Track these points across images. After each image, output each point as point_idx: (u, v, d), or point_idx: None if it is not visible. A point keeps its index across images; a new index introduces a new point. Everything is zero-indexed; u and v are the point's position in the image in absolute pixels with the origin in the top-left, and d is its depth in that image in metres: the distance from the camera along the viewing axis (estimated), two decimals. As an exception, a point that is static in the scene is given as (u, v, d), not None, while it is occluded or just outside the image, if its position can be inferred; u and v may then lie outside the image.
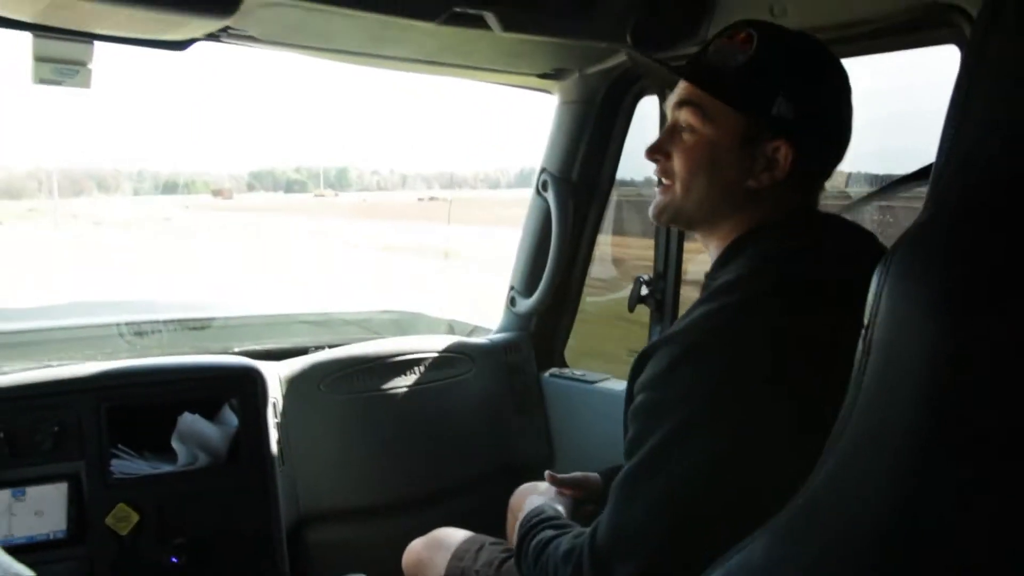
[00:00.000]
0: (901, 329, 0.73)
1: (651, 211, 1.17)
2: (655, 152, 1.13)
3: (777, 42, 1.08)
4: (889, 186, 1.21)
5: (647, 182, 2.19)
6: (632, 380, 1.06)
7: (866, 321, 0.76)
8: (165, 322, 2.17)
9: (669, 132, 1.12)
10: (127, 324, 2.12)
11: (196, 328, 2.23)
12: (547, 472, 1.52)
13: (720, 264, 1.12)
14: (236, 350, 2.09)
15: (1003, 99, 0.74)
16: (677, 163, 1.11)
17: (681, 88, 1.12)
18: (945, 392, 0.70)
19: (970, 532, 0.71)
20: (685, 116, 1.10)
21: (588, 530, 1.04)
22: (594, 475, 1.52)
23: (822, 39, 1.34)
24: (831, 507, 0.79)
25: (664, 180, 1.14)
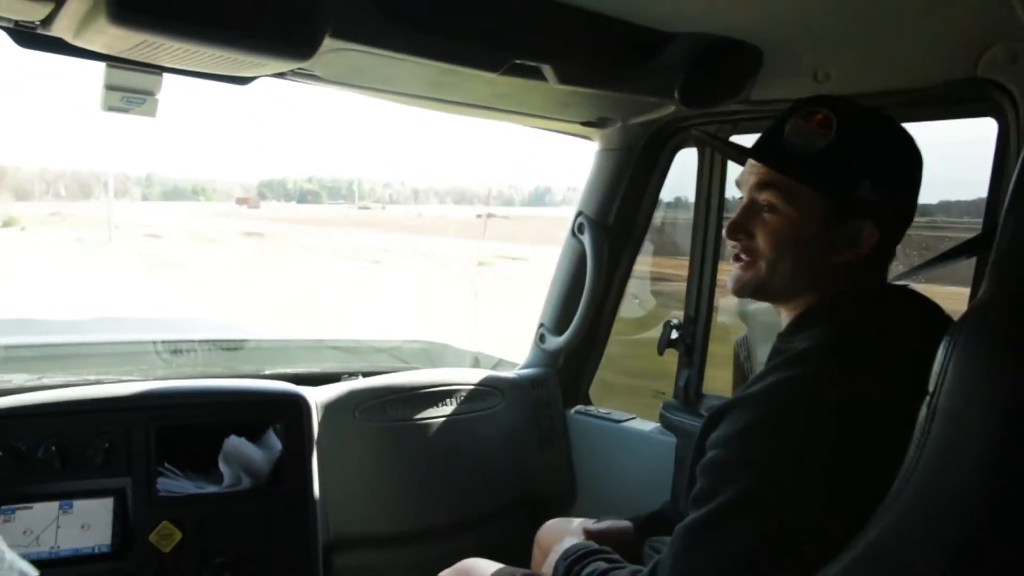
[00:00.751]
0: (968, 398, 0.78)
1: (731, 285, 1.20)
2: (737, 232, 1.16)
3: (857, 125, 1.12)
4: (939, 257, 1.27)
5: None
6: (705, 434, 1.10)
7: (931, 389, 0.81)
8: (200, 342, 2.21)
9: (748, 211, 1.16)
10: (163, 342, 2.16)
11: (229, 349, 2.27)
12: (582, 526, 1.56)
13: (793, 330, 1.15)
14: (268, 372, 2.13)
15: None
16: (761, 242, 1.14)
17: (760, 168, 1.15)
18: (1010, 457, 0.75)
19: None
20: (767, 197, 1.13)
21: (647, 570, 1.09)
22: (626, 523, 1.55)
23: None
24: (889, 557, 0.84)
25: (747, 257, 1.17)
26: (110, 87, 1.62)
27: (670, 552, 1.05)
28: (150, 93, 1.66)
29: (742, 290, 1.20)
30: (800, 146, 1.12)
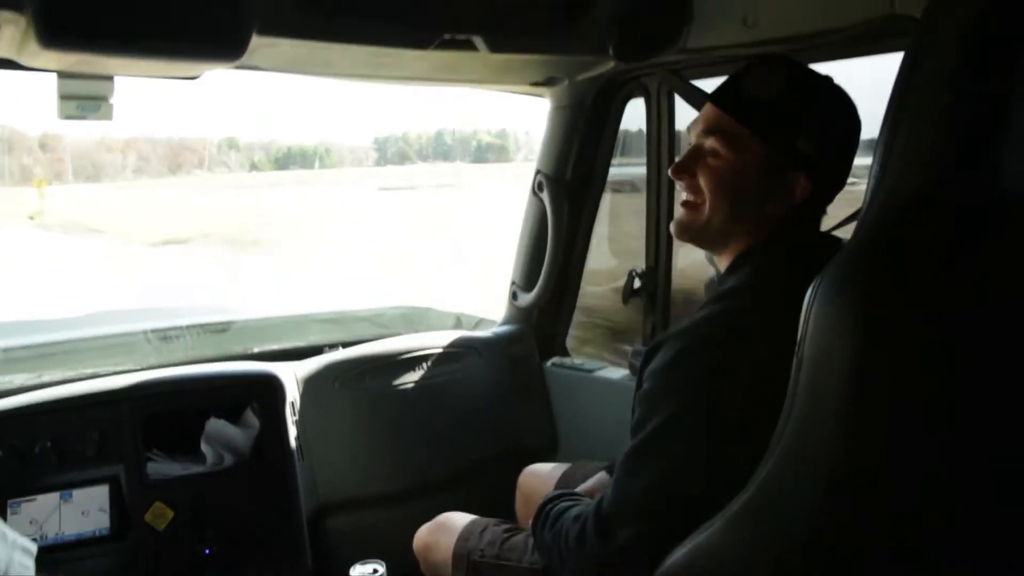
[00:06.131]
0: (824, 348, 0.85)
1: (673, 229, 1.28)
2: (681, 171, 1.23)
3: (806, 83, 1.20)
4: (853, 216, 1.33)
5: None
6: (642, 368, 1.19)
7: (799, 337, 0.88)
8: (188, 327, 2.29)
9: (693, 154, 1.23)
10: (153, 331, 2.25)
11: (217, 331, 2.36)
12: (557, 471, 1.69)
13: (729, 272, 1.24)
14: (256, 351, 2.23)
15: (919, 144, 0.84)
16: (703, 184, 1.21)
17: (709, 115, 1.22)
18: (854, 407, 0.82)
19: (885, 515, 0.84)
20: (712, 143, 1.20)
21: (596, 500, 1.19)
22: (604, 475, 1.64)
23: (793, 48, 1.45)
24: (774, 496, 0.92)
25: (691, 197, 1.24)
26: (64, 97, 1.68)
27: (613, 480, 1.16)
28: (104, 98, 1.72)
29: (683, 234, 1.27)
30: (753, 96, 1.19)
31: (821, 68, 1.26)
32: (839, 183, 1.23)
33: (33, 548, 0.90)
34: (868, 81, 1.73)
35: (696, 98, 1.72)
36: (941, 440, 0.80)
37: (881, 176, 0.87)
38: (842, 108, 1.22)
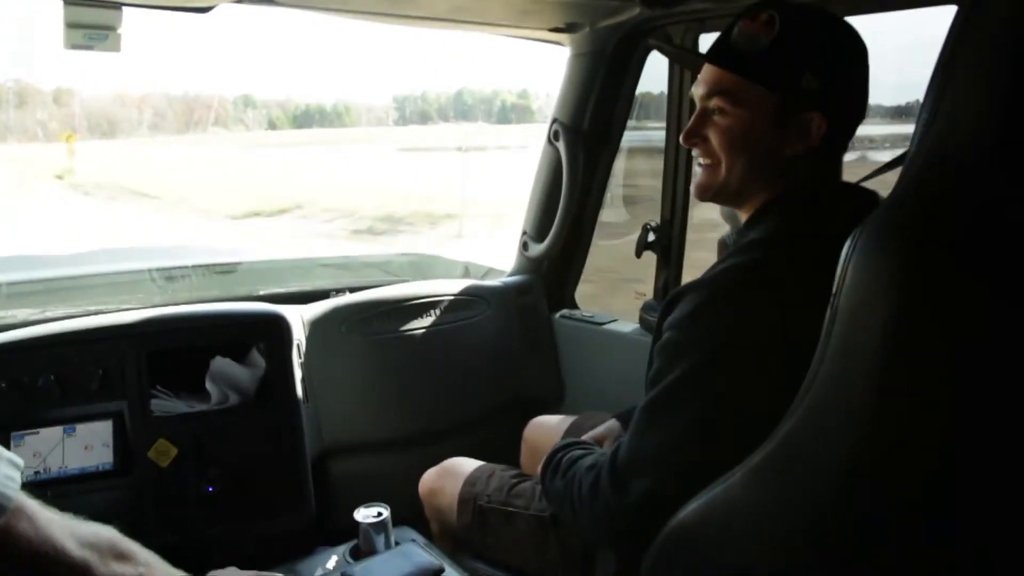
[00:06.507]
0: (861, 301, 0.81)
1: (693, 190, 1.26)
2: (690, 138, 1.21)
3: (797, 20, 1.15)
4: (887, 165, 1.29)
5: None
6: (661, 318, 1.17)
7: (834, 290, 0.84)
8: (193, 267, 2.27)
9: (700, 118, 1.20)
10: (158, 270, 2.22)
11: (223, 272, 2.33)
12: (564, 422, 1.66)
13: (750, 225, 1.21)
14: (261, 293, 2.21)
15: (968, 100, 0.80)
16: (715, 144, 1.18)
17: (708, 76, 1.19)
18: (890, 363, 0.79)
19: (910, 480, 0.81)
20: (716, 103, 1.17)
21: (611, 451, 1.17)
22: (615, 423, 1.63)
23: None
24: (798, 453, 0.89)
25: (706, 160, 1.21)
26: (71, 25, 1.63)
27: (629, 431, 1.14)
28: (112, 28, 1.67)
29: (704, 194, 1.25)
30: (746, 46, 1.15)
31: (863, 21, 1.21)
32: (855, 114, 1.20)
33: (20, 462, 0.89)
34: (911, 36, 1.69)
35: (689, 60, 1.66)
36: (973, 415, 0.78)
37: (928, 129, 0.82)
38: (842, 36, 1.18)
